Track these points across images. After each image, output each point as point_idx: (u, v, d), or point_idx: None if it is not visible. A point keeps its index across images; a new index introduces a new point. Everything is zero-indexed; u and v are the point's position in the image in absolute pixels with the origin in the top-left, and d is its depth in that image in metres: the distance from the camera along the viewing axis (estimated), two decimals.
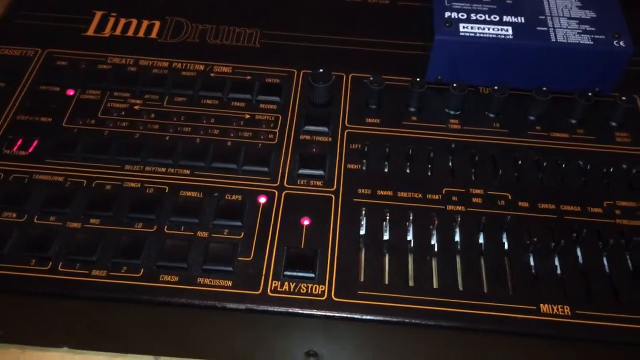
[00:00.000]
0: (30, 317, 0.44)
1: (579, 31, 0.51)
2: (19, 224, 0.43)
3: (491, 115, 0.51)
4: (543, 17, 0.52)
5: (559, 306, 0.41)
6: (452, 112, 0.52)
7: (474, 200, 0.46)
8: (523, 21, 0.51)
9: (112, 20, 0.58)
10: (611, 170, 0.48)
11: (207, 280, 0.41)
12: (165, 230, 0.43)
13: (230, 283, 0.41)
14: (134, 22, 0.58)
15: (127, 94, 0.52)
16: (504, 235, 0.44)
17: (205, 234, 0.43)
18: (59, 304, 0.42)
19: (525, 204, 0.46)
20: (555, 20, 0.52)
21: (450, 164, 0.49)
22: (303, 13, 0.60)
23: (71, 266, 0.41)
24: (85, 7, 0.59)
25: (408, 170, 0.48)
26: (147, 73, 0.53)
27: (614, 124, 0.51)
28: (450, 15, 0.51)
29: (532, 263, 0.43)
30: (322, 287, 0.41)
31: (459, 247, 0.44)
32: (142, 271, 0.41)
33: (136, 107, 0.51)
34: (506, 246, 0.44)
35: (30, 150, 0.48)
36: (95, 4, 0.59)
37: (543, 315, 0.40)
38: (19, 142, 0.48)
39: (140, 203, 0.44)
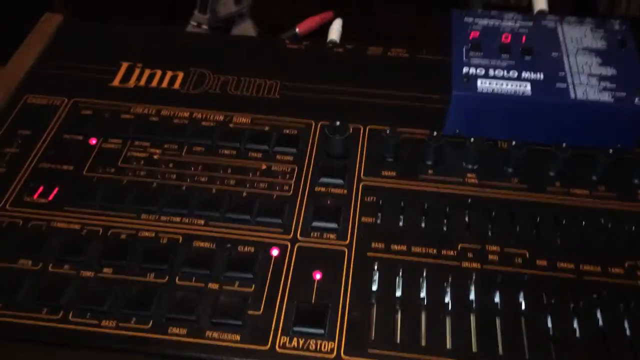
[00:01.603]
0: None
1: (599, 88, 0.50)
2: (33, 272, 0.44)
3: (509, 170, 0.51)
4: (563, 73, 0.51)
5: None
6: (469, 167, 0.51)
7: (490, 257, 0.45)
8: (542, 78, 0.51)
9: (137, 71, 0.60)
10: (633, 229, 0.47)
11: (215, 334, 0.41)
12: (176, 281, 0.44)
13: (238, 337, 0.41)
14: (159, 72, 0.60)
15: (147, 143, 0.53)
16: (521, 295, 0.43)
17: (216, 286, 0.43)
18: (68, 355, 0.42)
19: (544, 263, 0.45)
20: (575, 76, 0.51)
21: (466, 219, 0.48)
22: (323, 65, 0.61)
23: (82, 315, 0.42)
24: (113, 58, 0.61)
25: (423, 225, 0.48)
26: (168, 123, 0.54)
27: (636, 181, 0.50)
28: (468, 71, 0.52)
29: (549, 324, 0.42)
30: (331, 344, 0.40)
31: (473, 305, 0.43)
32: (150, 323, 0.41)
33: (155, 157, 0.52)
34: (523, 306, 0.43)
35: (50, 197, 0.49)
36: (122, 55, 0.61)
37: None
38: (40, 190, 0.49)
39: (153, 253, 0.45)
